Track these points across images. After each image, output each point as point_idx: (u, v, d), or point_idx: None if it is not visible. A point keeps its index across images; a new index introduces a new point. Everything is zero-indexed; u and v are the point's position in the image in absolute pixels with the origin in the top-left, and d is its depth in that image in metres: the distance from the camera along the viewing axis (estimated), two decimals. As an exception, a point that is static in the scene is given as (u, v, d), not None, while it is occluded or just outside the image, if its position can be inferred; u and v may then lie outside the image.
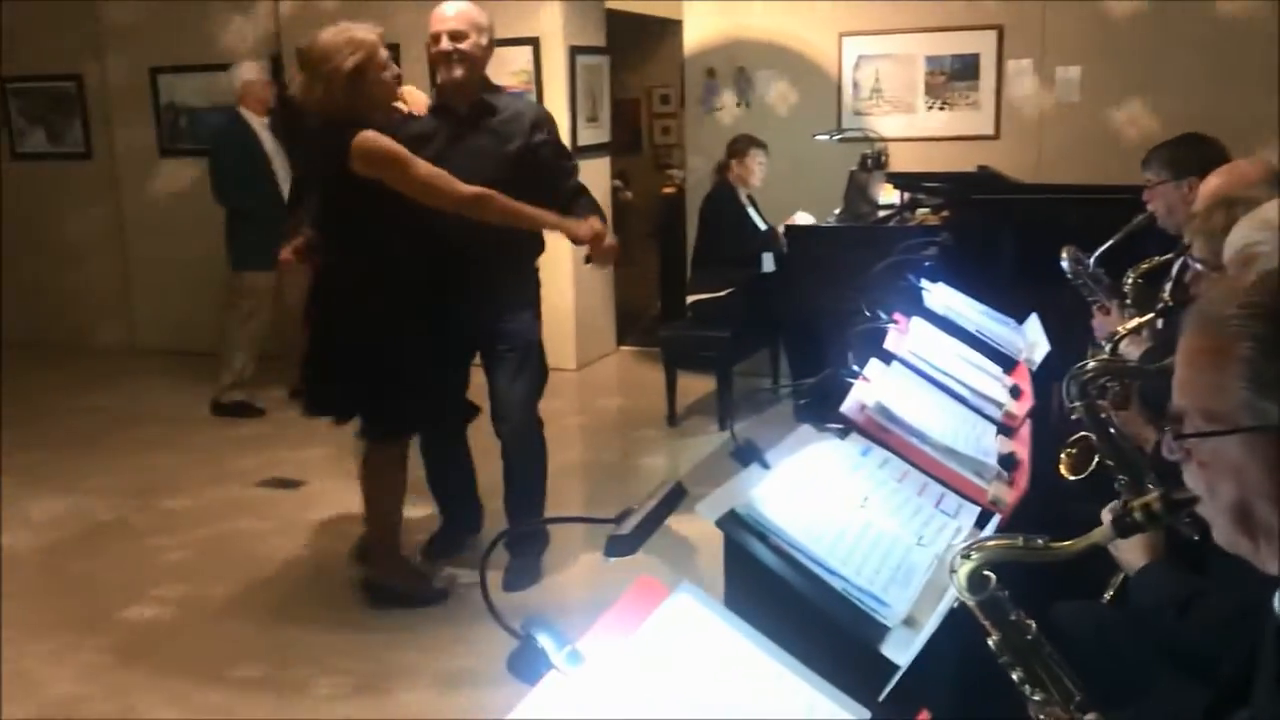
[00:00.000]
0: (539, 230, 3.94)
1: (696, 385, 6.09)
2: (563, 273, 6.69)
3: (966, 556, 1.43)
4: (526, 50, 6.73)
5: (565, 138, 6.63)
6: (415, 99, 3.90)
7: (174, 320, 7.80)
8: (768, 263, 6.02)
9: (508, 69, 6.54)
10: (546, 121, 3.98)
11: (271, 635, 3.70)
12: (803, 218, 5.92)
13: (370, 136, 3.49)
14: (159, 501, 4.95)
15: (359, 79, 3.48)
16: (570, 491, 4.91)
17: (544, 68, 6.77)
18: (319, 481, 5.04)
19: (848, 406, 2.44)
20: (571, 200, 3.93)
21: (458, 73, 3.83)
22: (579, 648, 1.25)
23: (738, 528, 1.83)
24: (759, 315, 5.84)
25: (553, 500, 4.34)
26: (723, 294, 5.83)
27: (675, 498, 1.51)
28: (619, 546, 1.40)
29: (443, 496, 4.31)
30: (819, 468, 2.11)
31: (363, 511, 3.94)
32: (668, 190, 8.88)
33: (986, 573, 1.43)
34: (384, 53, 3.58)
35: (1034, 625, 1.44)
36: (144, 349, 7.89)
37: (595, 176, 7.22)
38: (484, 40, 3.87)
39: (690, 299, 6.05)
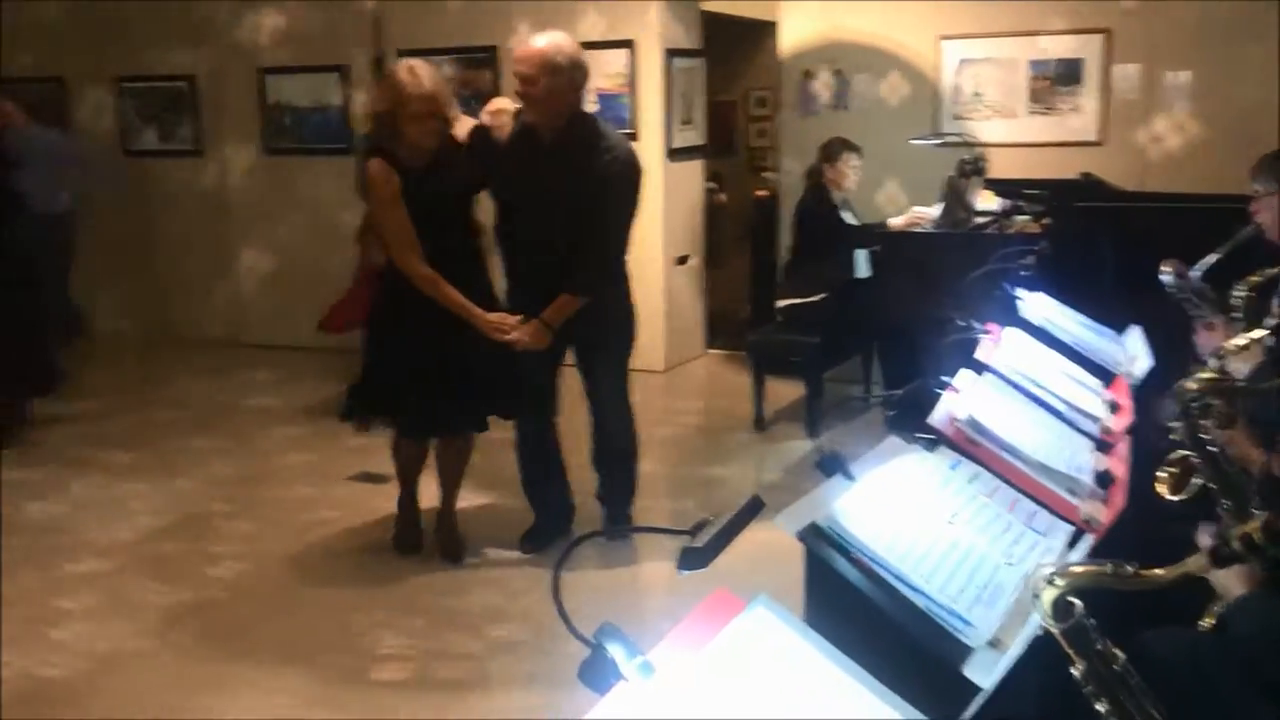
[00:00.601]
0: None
1: (787, 391, 6.04)
2: (653, 274, 6.70)
3: (1051, 582, 1.39)
4: (623, 53, 6.75)
5: (658, 141, 6.68)
6: (499, 120, 3.91)
7: (278, 315, 8.01)
8: (862, 268, 5.94)
9: (604, 72, 6.57)
10: (617, 179, 3.86)
11: (345, 632, 3.75)
12: (921, 210, 5.86)
13: (373, 166, 3.74)
14: (250, 493, 5.07)
15: (386, 119, 3.73)
16: (654, 494, 4.89)
17: (640, 70, 6.79)
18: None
19: (936, 418, 2.38)
20: (574, 261, 3.86)
21: (528, 116, 3.85)
22: (650, 658, 1.24)
23: (819, 541, 1.80)
24: (851, 321, 5.77)
25: (636, 502, 4.35)
26: (815, 299, 5.78)
27: (751, 511, 1.49)
28: (692, 559, 1.38)
29: (534, 493, 4.36)
30: (905, 481, 2.07)
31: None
32: (761, 193, 8.83)
33: (1072, 599, 1.38)
34: (423, 106, 3.69)
35: (1122, 655, 1.39)
36: (249, 343, 8.10)
37: (689, 179, 7.23)
38: (560, 81, 3.76)
39: (780, 303, 6.01)
